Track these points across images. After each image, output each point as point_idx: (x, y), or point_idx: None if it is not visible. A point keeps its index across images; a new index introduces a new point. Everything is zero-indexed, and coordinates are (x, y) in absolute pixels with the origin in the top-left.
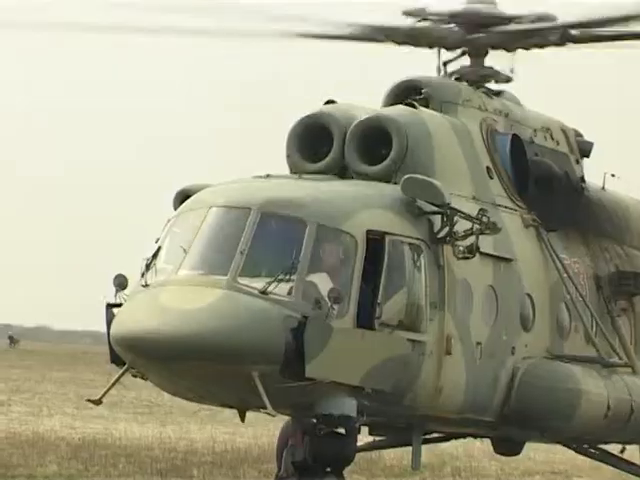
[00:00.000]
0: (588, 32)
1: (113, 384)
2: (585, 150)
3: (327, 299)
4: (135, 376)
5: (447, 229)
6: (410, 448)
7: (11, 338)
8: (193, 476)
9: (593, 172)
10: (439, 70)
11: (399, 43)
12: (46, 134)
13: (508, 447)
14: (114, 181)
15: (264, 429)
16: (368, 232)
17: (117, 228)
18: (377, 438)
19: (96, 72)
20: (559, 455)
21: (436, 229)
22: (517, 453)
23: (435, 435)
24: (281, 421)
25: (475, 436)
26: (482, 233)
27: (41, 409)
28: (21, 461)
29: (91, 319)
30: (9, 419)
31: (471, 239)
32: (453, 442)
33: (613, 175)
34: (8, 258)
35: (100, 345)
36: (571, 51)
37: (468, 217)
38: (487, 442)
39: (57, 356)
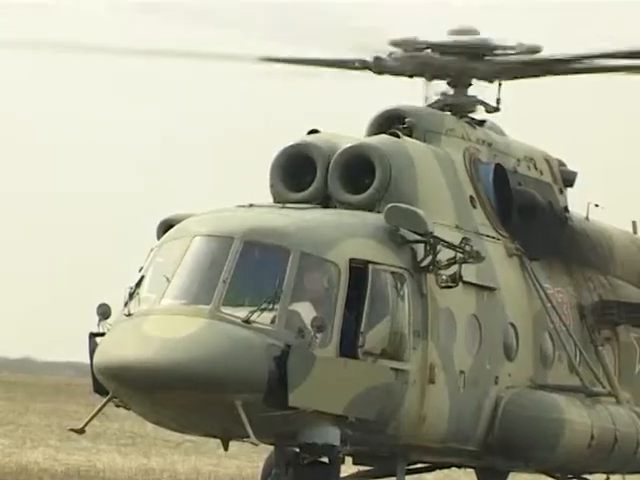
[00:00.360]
0: (570, 65)
1: (96, 413)
2: (569, 180)
3: (310, 328)
4: (118, 406)
5: (430, 258)
6: (394, 479)
7: None
8: None
9: (577, 202)
10: (425, 100)
11: (383, 73)
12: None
13: (492, 477)
14: (93, 213)
15: (248, 461)
16: (351, 261)
17: (100, 259)
18: (361, 469)
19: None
20: None
21: (419, 258)
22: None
23: (419, 465)
24: (265, 452)
25: (459, 466)
26: (465, 262)
27: (24, 441)
28: None
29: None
30: None
31: (454, 268)
32: (437, 473)
33: (597, 205)
34: None
35: (83, 377)
36: (554, 81)
37: (451, 246)
38: (471, 472)
39: (40, 387)
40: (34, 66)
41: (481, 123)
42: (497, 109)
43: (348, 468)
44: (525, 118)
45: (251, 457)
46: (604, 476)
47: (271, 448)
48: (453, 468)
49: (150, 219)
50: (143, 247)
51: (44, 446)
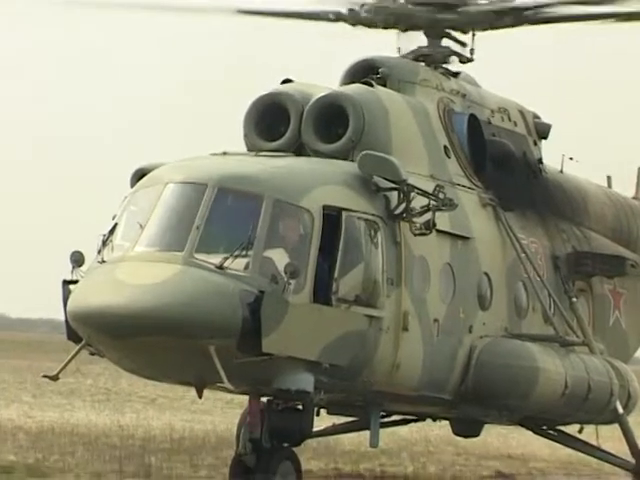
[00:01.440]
0: (544, 13)
1: (70, 359)
2: (543, 132)
3: (284, 274)
4: (93, 354)
5: (404, 205)
6: (368, 432)
7: None
8: (151, 463)
9: (551, 155)
10: (398, 51)
11: (356, 24)
12: None
13: (466, 428)
14: (65, 158)
15: (222, 417)
16: (325, 208)
17: (73, 212)
18: (336, 422)
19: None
20: (515, 441)
21: (393, 205)
22: (476, 435)
23: (393, 419)
24: (240, 408)
25: (433, 417)
26: (439, 209)
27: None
28: None
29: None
30: None
31: (428, 215)
32: (410, 427)
33: (571, 158)
34: None
35: (57, 333)
36: (528, 33)
37: (425, 193)
38: (444, 428)
39: (14, 344)
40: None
41: (455, 74)
42: (471, 60)
43: (323, 423)
44: (500, 70)
45: (226, 413)
46: (577, 427)
47: (246, 404)
48: (427, 421)
49: (125, 169)
50: (116, 198)
51: (18, 403)
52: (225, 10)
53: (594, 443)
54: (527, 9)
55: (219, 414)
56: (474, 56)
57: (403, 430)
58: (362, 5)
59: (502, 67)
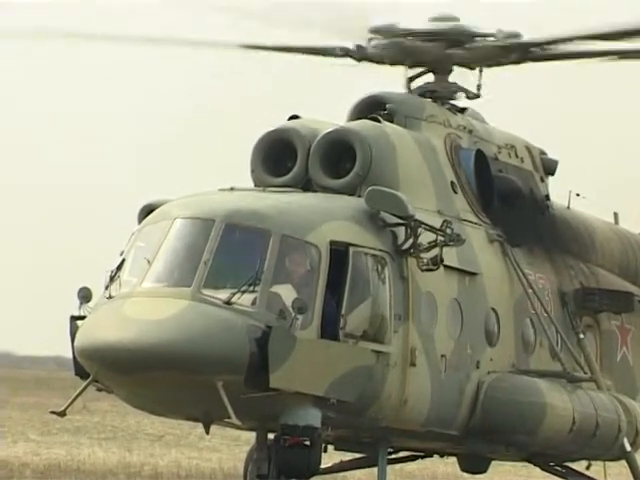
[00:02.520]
0: (549, 50)
1: (77, 395)
2: (550, 168)
3: (291, 309)
4: (100, 390)
5: (411, 241)
6: (376, 469)
7: None
8: None
9: (559, 191)
10: (407, 87)
11: (364, 60)
12: None
13: (474, 464)
14: (71, 205)
15: (229, 454)
16: (332, 243)
17: (81, 253)
18: (344, 459)
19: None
20: (523, 478)
21: (400, 241)
22: (483, 471)
23: (401, 455)
24: (247, 445)
25: (441, 453)
26: (446, 245)
27: (5, 435)
28: None
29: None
30: None
31: (435, 251)
32: (418, 464)
33: (578, 194)
34: None
35: (64, 370)
36: (534, 69)
37: (432, 228)
38: (451, 464)
39: (21, 382)
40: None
41: (462, 110)
42: (478, 96)
43: (331, 459)
44: (507, 106)
45: (232, 450)
46: (585, 464)
47: (253, 441)
48: (435, 457)
49: (130, 208)
50: (123, 236)
51: (25, 440)
52: (230, 45)
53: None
54: (533, 45)
55: (226, 451)
56: (481, 92)
57: (410, 467)
58: (370, 40)
59: (509, 103)
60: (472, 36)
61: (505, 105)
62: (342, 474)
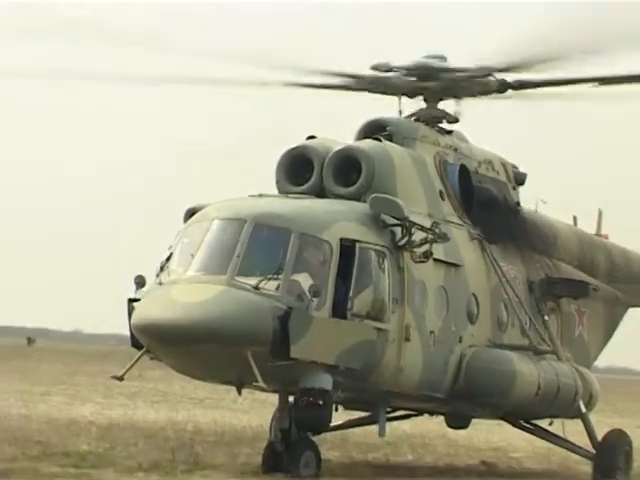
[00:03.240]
0: (523, 82)
1: (133, 363)
2: (520, 180)
3: (308, 294)
4: (152, 358)
5: (406, 238)
6: (376, 427)
7: (29, 339)
8: (198, 453)
9: (528, 198)
10: (400, 113)
11: (363, 91)
12: None
13: (457, 421)
14: (130, 207)
15: (257, 415)
16: (341, 240)
17: (137, 246)
18: (351, 418)
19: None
20: (497, 435)
21: (397, 238)
22: (465, 427)
23: (397, 414)
24: (272, 407)
25: (430, 412)
26: (435, 241)
27: (75, 398)
28: (59, 441)
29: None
30: (49, 407)
31: (426, 246)
32: (411, 422)
33: (544, 201)
34: (52, 273)
35: (124, 345)
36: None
37: (423, 228)
38: (439, 423)
39: (87, 354)
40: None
41: (449, 132)
42: (457, 120)
43: (340, 418)
44: (487, 129)
45: (260, 412)
46: (548, 421)
47: (276, 403)
48: (425, 416)
49: (177, 210)
50: (170, 233)
51: (91, 402)
52: (272, 83)
53: (562, 435)
54: (517, 83)
55: (254, 413)
56: (461, 118)
57: (405, 425)
58: (373, 70)
59: (489, 127)
60: (454, 72)
61: (486, 127)
62: (349, 430)
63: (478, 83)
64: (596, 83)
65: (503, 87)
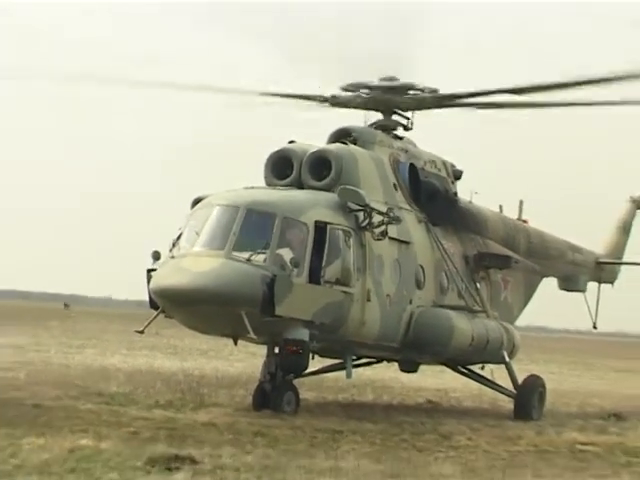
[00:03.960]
0: (463, 100)
1: (151, 321)
2: (457, 175)
3: (289, 264)
4: (166, 317)
5: (367, 221)
6: (344, 372)
7: (65, 304)
8: (204, 393)
9: (464, 190)
10: (364, 122)
11: (336, 105)
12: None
13: (408, 367)
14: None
15: (249, 363)
16: (316, 222)
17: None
18: (324, 365)
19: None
20: (439, 380)
21: (360, 220)
22: (414, 371)
23: (361, 362)
24: (262, 358)
25: (387, 360)
26: (390, 223)
27: (105, 351)
28: (93, 384)
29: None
30: (84, 357)
31: (382, 227)
32: (372, 369)
33: (476, 192)
34: (86, 246)
35: (143, 309)
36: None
37: (380, 213)
38: (394, 371)
39: (115, 316)
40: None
41: (401, 138)
42: (410, 129)
43: (315, 366)
44: (434, 135)
45: (252, 361)
46: (480, 367)
47: (265, 353)
48: (383, 364)
49: (185, 200)
50: (180, 217)
51: (118, 354)
52: (248, 92)
53: (491, 378)
54: (447, 96)
55: (247, 362)
56: (414, 127)
57: (368, 371)
58: (342, 89)
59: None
60: (407, 89)
61: (434, 134)
62: (323, 375)
63: (420, 98)
64: (512, 94)
65: (439, 101)
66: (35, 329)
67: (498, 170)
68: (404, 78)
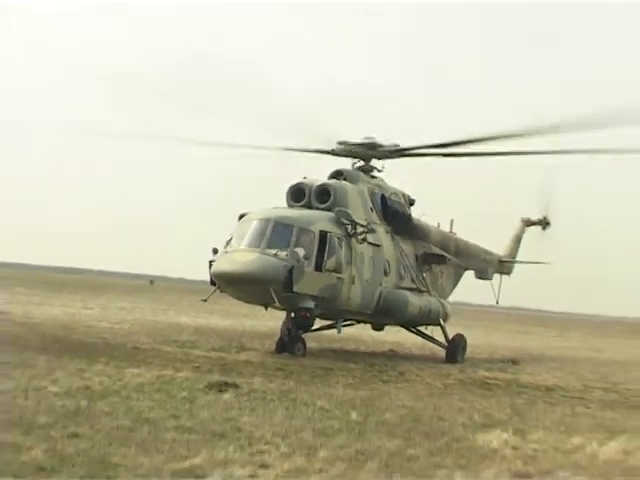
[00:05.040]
0: (415, 152)
1: (211, 294)
2: (411, 202)
3: (302, 258)
4: (221, 291)
5: (353, 231)
6: (335, 330)
7: (150, 281)
8: (244, 342)
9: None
10: (354, 166)
11: (333, 154)
12: None
13: (377, 327)
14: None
15: (275, 323)
16: (320, 231)
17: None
18: (323, 325)
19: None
20: (396, 336)
21: (348, 230)
22: (381, 330)
23: (347, 323)
24: (281, 319)
25: (364, 322)
26: (368, 233)
27: (180, 313)
28: (171, 334)
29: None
30: (166, 316)
31: (363, 235)
32: (354, 328)
33: (424, 214)
34: (169, 234)
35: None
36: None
37: (362, 226)
38: (367, 329)
39: (187, 290)
40: None
41: (375, 177)
42: (381, 171)
43: (317, 324)
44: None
45: (276, 322)
46: (424, 327)
47: (284, 315)
48: (362, 325)
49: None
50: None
51: (188, 315)
52: (265, 147)
53: (431, 335)
54: (404, 149)
55: (274, 322)
56: (384, 170)
57: (351, 330)
58: (338, 144)
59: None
60: (378, 147)
61: (396, 174)
62: (323, 332)
63: (386, 151)
64: (449, 147)
65: (400, 153)
66: (133, 297)
67: (437, 199)
68: (378, 138)
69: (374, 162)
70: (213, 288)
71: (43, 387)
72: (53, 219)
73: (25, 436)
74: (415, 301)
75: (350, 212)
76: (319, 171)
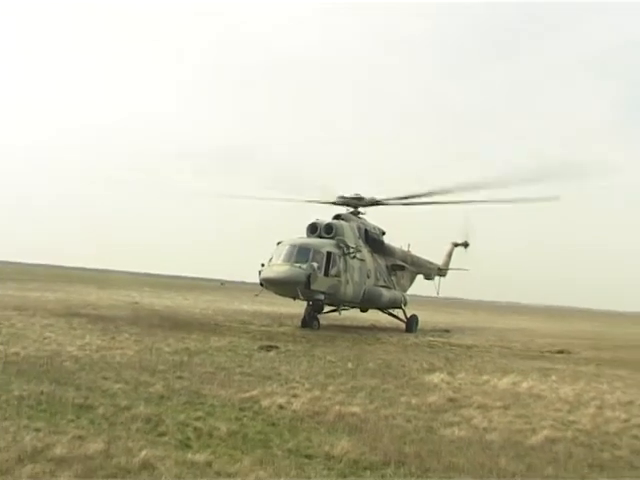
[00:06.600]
0: (385, 202)
1: (260, 292)
2: (384, 233)
3: (316, 268)
4: (267, 289)
5: (348, 251)
6: (337, 313)
7: (221, 282)
8: (282, 321)
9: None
10: (347, 211)
11: (335, 204)
12: None
13: (363, 310)
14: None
15: (299, 310)
16: (327, 251)
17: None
18: (329, 309)
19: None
20: (375, 317)
21: (345, 251)
22: (366, 311)
23: (344, 308)
24: (304, 306)
25: (355, 307)
26: (356, 252)
27: (243, 303)
28: (234, 316)
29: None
30: (235, 305)
31: (354, 254)
32: (349, 312)
33: (410, 244)
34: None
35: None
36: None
37: (353, 248)
38: (357, 311)
39: (244, 290)
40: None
41: (361, 218)
42: (364, 214)
43: (326, 309)
44: (372, 216)
45: (300, 309)
46: (392, 310)
47: (305, 305)
48: (353, 310)
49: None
50: (271, 247)
51: (247, 304)
52: (290, 199)
53: (396, 315)
54: (378, 201)
55: (298, 309)
56: (366, 213)
57: (347, 313)
58: (337, 199)
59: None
60: (362, 199)
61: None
62: (329, 314)
63: (367, 202)
64: (417, 197)
65: (376, 203)
66: (213, 293)
67: (399, 231)
68: (362, 194)
69: (360, 209)
70: (261, 288)
71: (160, 348)
72: (164, 238)
73: (151, 377)
74: (386, 294)
75: (346, 240)
76: (326, 213)
